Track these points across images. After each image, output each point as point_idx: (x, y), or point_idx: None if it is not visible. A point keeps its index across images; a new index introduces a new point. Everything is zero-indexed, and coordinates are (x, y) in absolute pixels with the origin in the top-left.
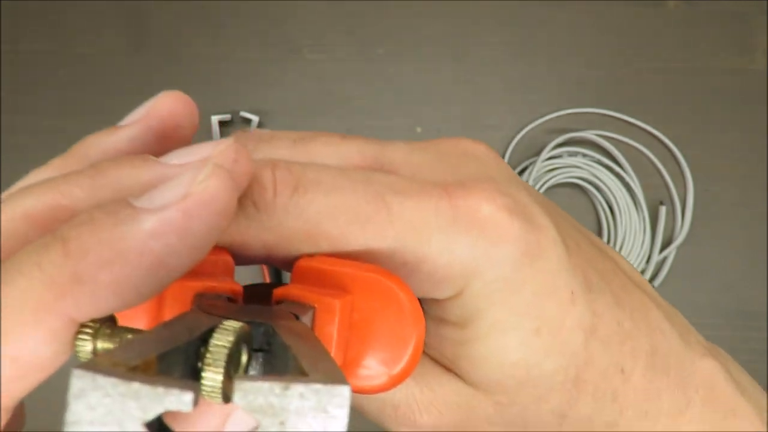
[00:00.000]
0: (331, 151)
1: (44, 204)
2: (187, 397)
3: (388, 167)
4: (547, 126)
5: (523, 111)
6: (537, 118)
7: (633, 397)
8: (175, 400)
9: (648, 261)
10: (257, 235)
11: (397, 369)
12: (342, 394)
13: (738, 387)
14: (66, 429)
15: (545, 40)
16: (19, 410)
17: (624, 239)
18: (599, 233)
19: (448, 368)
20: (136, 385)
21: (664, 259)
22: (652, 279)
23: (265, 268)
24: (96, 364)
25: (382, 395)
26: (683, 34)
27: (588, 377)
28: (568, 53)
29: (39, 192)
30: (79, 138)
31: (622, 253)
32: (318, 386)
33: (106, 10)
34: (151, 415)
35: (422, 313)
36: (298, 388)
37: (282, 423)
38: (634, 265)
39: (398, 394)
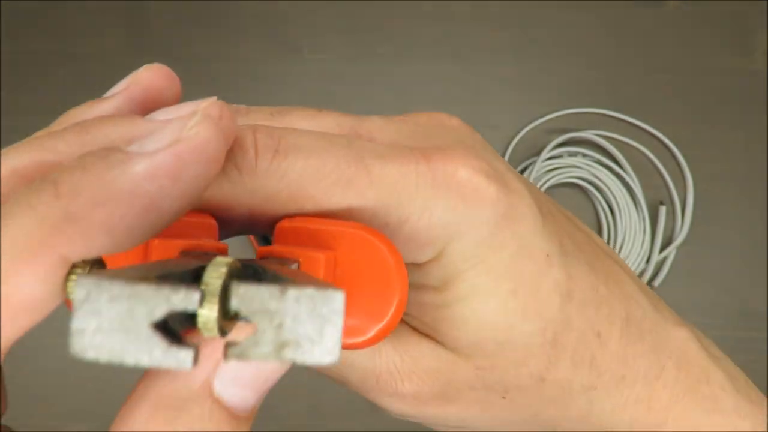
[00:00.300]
0: (308, 123)
1: (31, 160)
2: (195, 295)
3: (366, 137)
4: (547, 126)
5: (523, 111)
6: (537, 118)
7: (610, 362)
8: (183, 298)
9: (648, 261)
10: (240, 197)
11: (383, 323)
12: (337, 299)
13: (709, 355)
14: (72, 339)
15: (545, 40)
16: (1, 392)
17: (624, 239)
18: (599, 233)
19: (429, 335)
20: (142, 287)
21: (664, 259)
22: (652, 279)
23: (253, 240)
24: (99, 274)
25: (363, 365)
26: (683, 34)
27: (565, 341)
28: (568, 53)
29: (25, 149)
30: None
31: (622, 253)
32: (313, 291)
33: (106, 10)
34: (158, 316)
35: (405, 267)
36: (294, 292)
37: (279, 326)
38: (634, 266)
39: (379, 362)
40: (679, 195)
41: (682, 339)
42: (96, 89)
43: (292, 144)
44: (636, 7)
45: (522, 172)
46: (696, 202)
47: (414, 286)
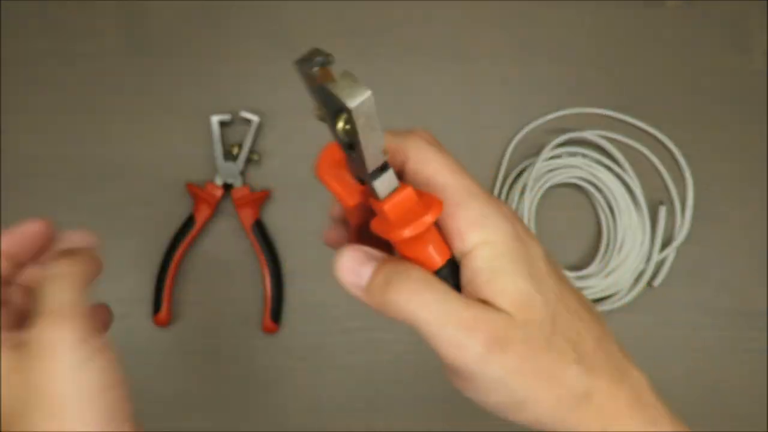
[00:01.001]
0: None
1: None
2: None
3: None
4: (547, 126)
5: (523, 111)
6: (537, 118)
7: (586, 348)
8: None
9: (648, 261)
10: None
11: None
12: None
13: (659, 397)
14: None
15: (545, 40)
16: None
17: (624, 239)
18: (599, 233)
19: (489, 303)
20: None
21: (664, 259)
22: (652, 279)
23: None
24: None
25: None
26: (683, 34)
27: (559, 320)
28: (568, 53)
29: None
30: (79, 137)
31: (622, 253)
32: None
33: (106, 10)
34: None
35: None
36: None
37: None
38: (634, 265)
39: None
40: (679, 195)
41: (638, 378)
42: (96, 89)
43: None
44: (636, 7)
45: (522, 172)
46: (696, 202)
47: (470, 270)
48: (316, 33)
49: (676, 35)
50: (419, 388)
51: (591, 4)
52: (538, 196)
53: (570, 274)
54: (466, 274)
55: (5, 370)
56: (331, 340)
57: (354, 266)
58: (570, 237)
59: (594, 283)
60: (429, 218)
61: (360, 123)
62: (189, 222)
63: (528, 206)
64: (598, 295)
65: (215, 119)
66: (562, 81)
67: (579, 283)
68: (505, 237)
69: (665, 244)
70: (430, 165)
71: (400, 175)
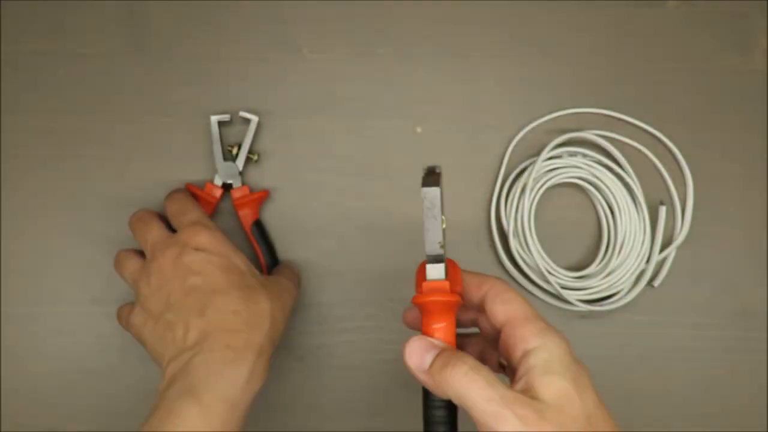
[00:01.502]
0: None
1: None
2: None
3: None
4: (547, 126)
5: (523, 111)
6: (537, 118)
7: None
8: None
9: (648, 261)
10: None
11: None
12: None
13: None
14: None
15: (545, 40)
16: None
17: (624, 239)
18: (599, 233)
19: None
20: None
21: (664, 259)
22: (652, 279)
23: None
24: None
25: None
26: (683, 34)
27: (594, 420)
28: (568, 53)
29: None
30: (79, 138)
31: (622, 253)
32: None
33: (106, 10)
34: None
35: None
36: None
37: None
38: (634, 266)
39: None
40: (679, 195)
41: None
42: (96, 89)
43: None
44: (636, 7)
45: (522, 172)
46: (696, 202)
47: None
48: (317, 33)
49: (676, 35)
50: (419, 389)
51: (591, 4)
52: (538, 196)
53: (570, 274)
54: (520, 372)
55: None
56: (331, 340)
57: (420, 353)
58: (570, 237)
59: (594, 283)
60: (420, 295)
61: (424, 206)
62: None
63: (528, 206)
64: (598, 295)
65: (214, 119)
66: (562, 81)
67: (579, 283)
68: (560, 349)
69: (665, 244)
70: (506, 293)
71: (480, 309)
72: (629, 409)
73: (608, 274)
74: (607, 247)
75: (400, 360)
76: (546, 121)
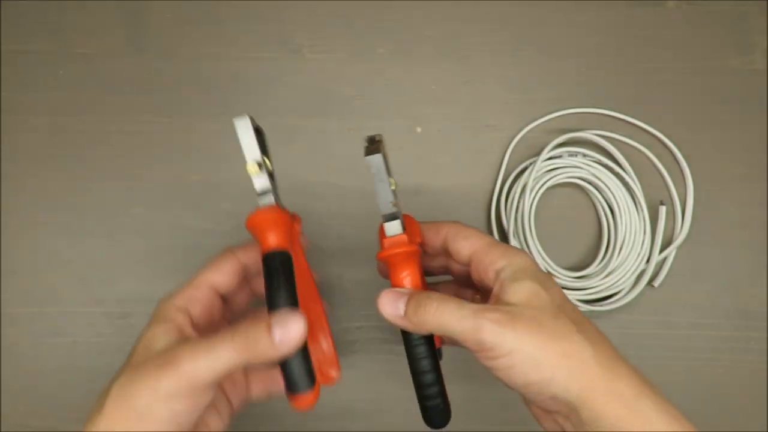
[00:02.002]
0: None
1: None
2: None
3: None
4: (547, 126)
5: (523, 111)
6: (537, 118)
7: (589, 329)
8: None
9: (648, 261)
10: None
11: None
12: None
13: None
14: None
15: (545, 40)
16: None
17: (624, 239)
18: (599, 233)
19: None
20: None
21: (664, 259)
22: (652, 279)
23: None
24: None
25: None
26: (683, 34)
27: (565, 308)
28: (568, 53)
29: None
30: (79, 138)
31: (622, 253)
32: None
33: (106, 10)
34: None
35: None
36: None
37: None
38: (635, 266)
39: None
40: (679, 195)
41: (628, 374)
42: (96, 89)
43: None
44: (636, 7)
45: (522, 172)
46: (696, 202)
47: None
48: (317, 33)
49: (676, 35)
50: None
51: (591, 5)
52: (538, 196)
53: (570, 274)
54: (494, 290)
55: None
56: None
57: (392, 302)
58: (570, 237)
59: (594, 283)
60: (383, 251)
61: (372, 173)
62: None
63: (528, 206)
64: (598, 295)
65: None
66: (562, 81)
67: (579, 283)
68: (525, 262)
69: (665, 244)
70: (465, 231)
71: (446, 252)
72: None
73: (608, 274)
74: (607, 247)
75: (400, 360)
76: (546, 121)
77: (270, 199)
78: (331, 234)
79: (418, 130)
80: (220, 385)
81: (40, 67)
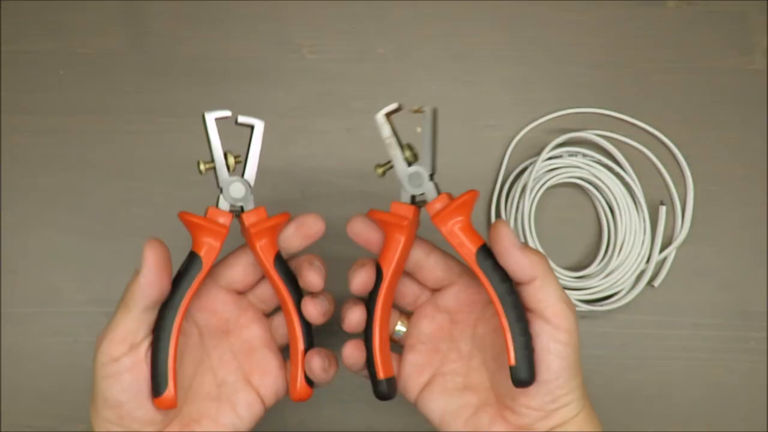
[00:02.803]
0: None
1: None
2: None
3: None
4: (547, 126)
5: (523, 111)
6: (537, 118)
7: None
8: None
9: (648, 261)
10: None
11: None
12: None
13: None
14: None
15: (545, 40)
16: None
17: (624, 239)
18: (599, 233)
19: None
20: None
21: (664, 259)
22: (652, 279)
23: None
24: None
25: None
26: (683, 34)
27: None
28: (568, 53)
29: None
30: (79, 138)
31: (622, 253)
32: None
33: (106, 10)
34: None
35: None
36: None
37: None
38: (635, 266)
39: None
40: (679, 195)
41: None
42: (96, 89)
43: None
44: (636, 7)
45: (522, 172)
46: (696, 202)
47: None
48: (317, 33)
49: (676, 35)
50: None
51: (591, 5)
52: (538, 196)
53: (570, 274)
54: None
55: None
56: (331, 340)
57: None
58: (570, 237)
59: (594, 283)
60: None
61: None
62: (191, 263)
63: (528, 206)
64: (598, 295)
65: (211, 116)
66: (562, 81)
67: (579, 283)
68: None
69: (665, 244)
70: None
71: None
72: (629, 409)
73: (608, 274)
74: (607, 247)
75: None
76: (546, 121)
77: (222, 200)
78: (332, 234)
79: (418, 130)
80: (248, 379)
81: (40, 67)
